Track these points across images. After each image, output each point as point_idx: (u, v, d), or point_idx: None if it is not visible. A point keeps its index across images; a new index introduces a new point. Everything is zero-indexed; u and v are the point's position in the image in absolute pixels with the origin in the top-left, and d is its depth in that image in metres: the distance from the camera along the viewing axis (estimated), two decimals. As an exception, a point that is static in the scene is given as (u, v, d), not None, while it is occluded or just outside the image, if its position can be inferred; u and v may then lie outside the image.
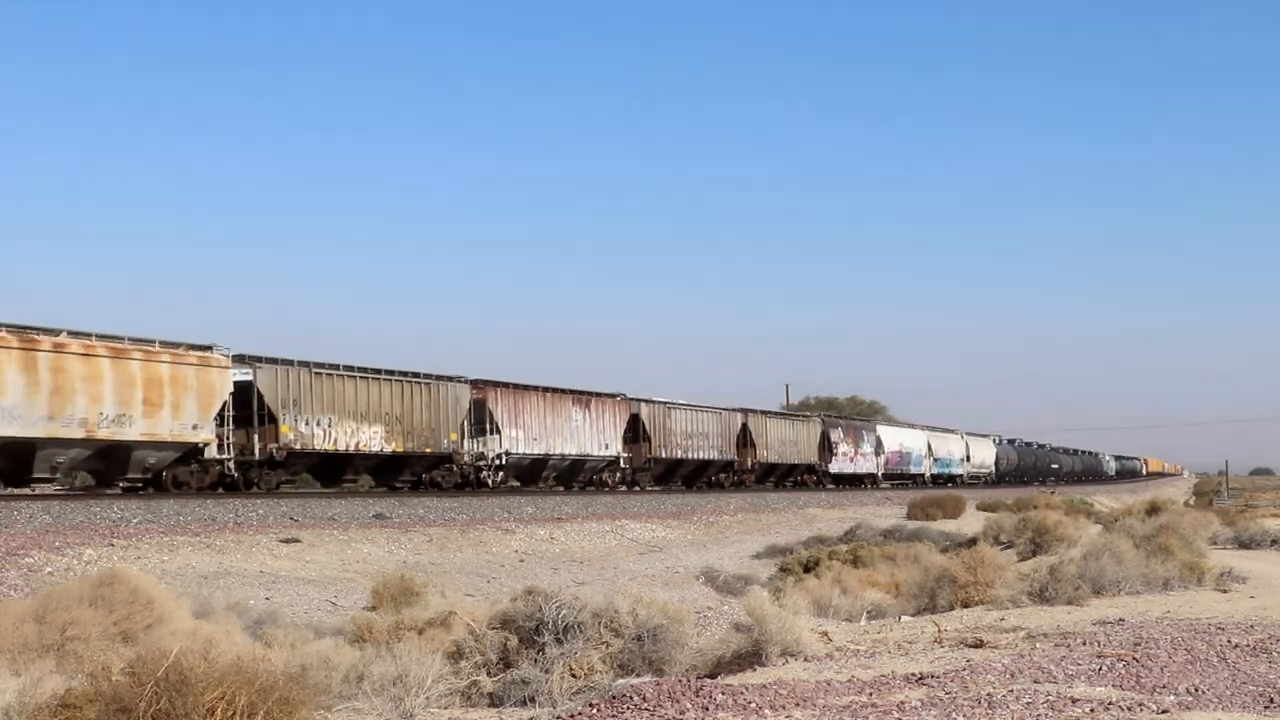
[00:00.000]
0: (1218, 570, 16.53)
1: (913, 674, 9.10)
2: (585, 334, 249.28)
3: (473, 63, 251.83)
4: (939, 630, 11.77)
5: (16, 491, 28.37)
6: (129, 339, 31.13)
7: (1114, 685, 8.36)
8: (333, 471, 38.29)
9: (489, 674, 10.22)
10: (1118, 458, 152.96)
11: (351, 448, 37.42)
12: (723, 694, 8.21)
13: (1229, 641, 10.31)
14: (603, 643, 10.38)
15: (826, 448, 66.29)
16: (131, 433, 30.45)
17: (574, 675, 10.00)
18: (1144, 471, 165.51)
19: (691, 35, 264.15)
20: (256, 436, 34.26)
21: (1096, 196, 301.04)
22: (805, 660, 10.39)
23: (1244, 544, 24.98)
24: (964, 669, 9.12)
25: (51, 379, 28.69)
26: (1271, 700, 7.88)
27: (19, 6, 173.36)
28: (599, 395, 49.44)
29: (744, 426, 59.13)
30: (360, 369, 38.19)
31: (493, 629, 10.65)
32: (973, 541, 25.71)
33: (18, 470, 29.41)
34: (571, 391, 47.83)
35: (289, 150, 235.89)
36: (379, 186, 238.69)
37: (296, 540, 24.50)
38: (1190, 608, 13.26)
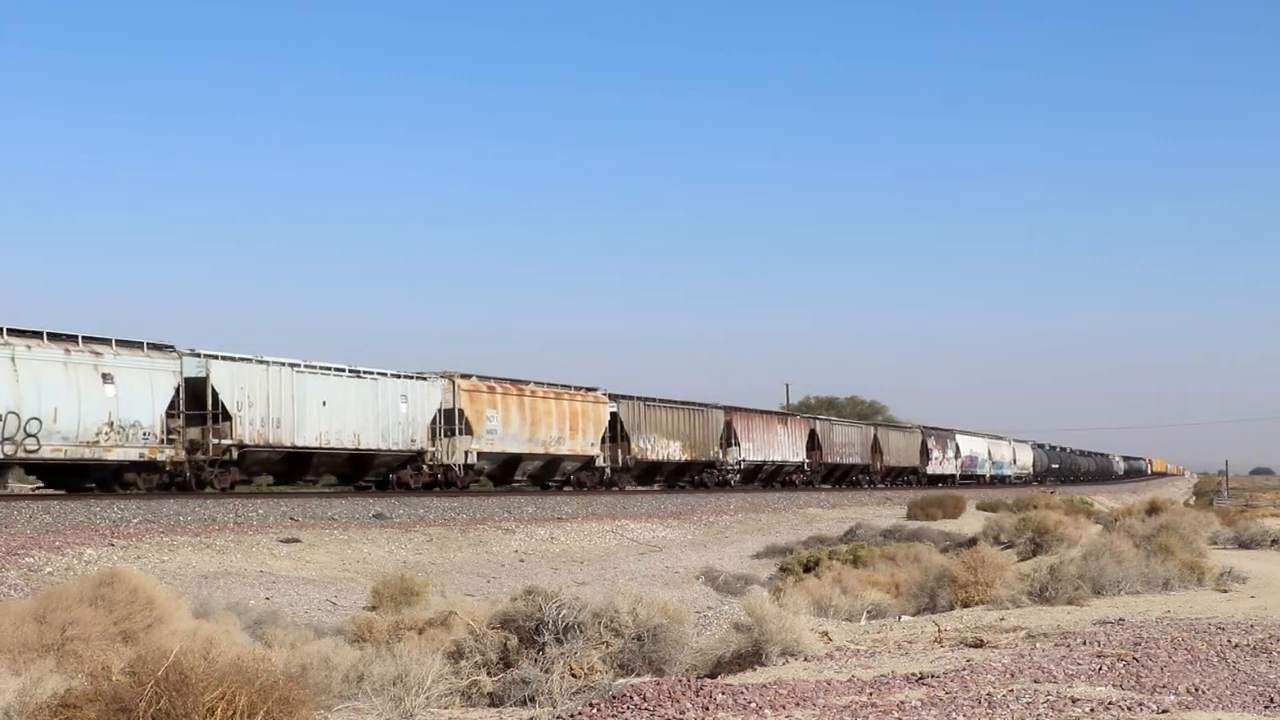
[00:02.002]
0: (1218, 570, 16.53)
1: (913, 674, 9.09)
2: (584, 333, 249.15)
3: (471, 61, 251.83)
4: (939, 630, 11.77)
5: (17, 491, 28.51)
6: (560, 385, 46.60)
7: (1114, 685, 8.36)
8: (650, 474, 53.41)
9: (489, 674, 10.22)
10: (1126, 458, 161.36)
11: (664, 457, 52.89)
12: (723, 694, 8.21)
13: (1229, 641, 10.31)
14: (603, 642, 10.38)
15: (924, 453, 79.37)
16: (563, 449, 46.09)
17: (574, 675, 10.00)
18: (1149, 471, 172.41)
19: (692, 35, 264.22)
20: (619, 451, 49.77)
21: (1097, 197, 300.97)
22: (805, 660, 10.38)
23: (1244, 544, 24.99)
24: (964, 669, 9.11)
25: (530, 414, 44.27)
26: (1271, 700, 7.88)
27: (18, 6, 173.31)
28: (793, 415, 66.92)
29: (875, 438, 73.11)
30: (668, 401, 53.77)
31: (493, 629, 10.65)
32: (973, 541, 25.71)
33: (506, 475, 44.77)
34: (778, 413, 65.24)
35: (283, 150, 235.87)
36: (375, 186, 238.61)
37: (296, 540, 24.50)
38: (1190, 608, 13.26)
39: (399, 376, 39.15)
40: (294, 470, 36.91)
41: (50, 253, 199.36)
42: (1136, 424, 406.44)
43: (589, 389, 48.40)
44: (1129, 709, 7.53)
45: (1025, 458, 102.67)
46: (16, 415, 28.42)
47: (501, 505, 34.92)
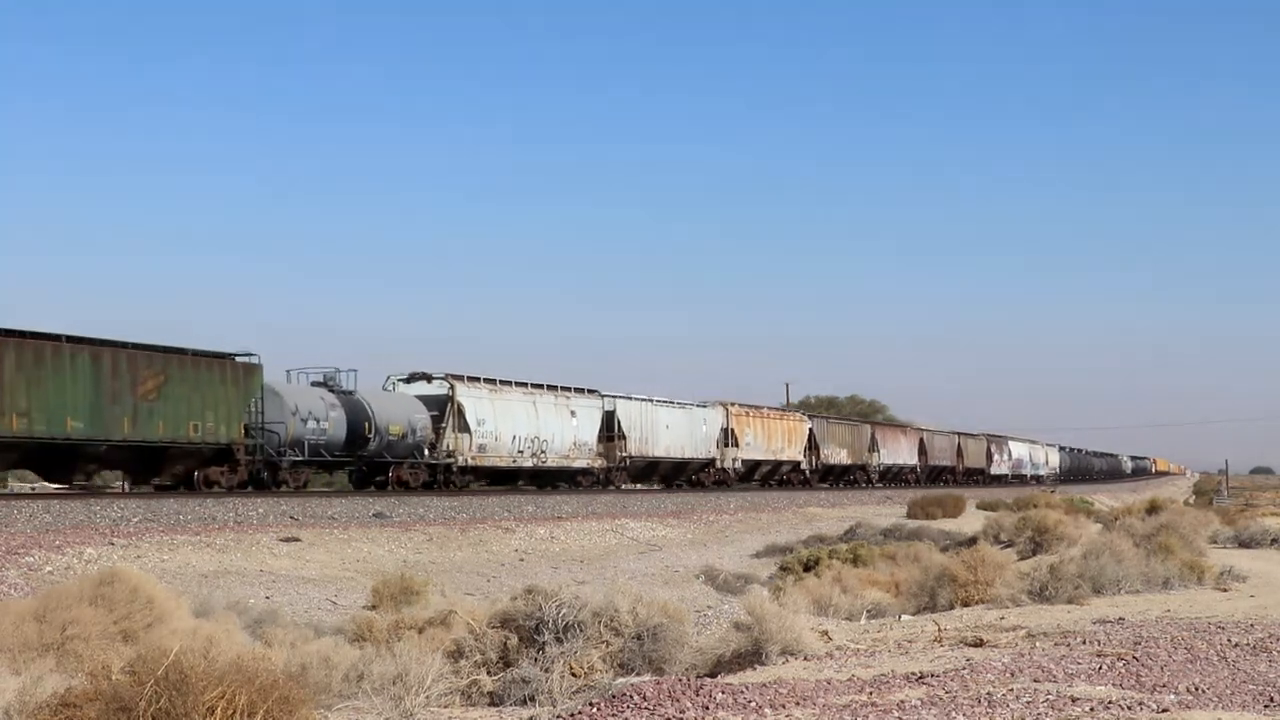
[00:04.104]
0: (1218, 569, 16.52)
1: (913, 673, 9.10)
2: (583, 332, 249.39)
3: (471, 58, 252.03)
4: (939, 629, 11.77)
5: (17, 490, 28.58)
6: (780, 408, 68.77)
7: (1114, 684, 8.36)
8: (827, 474, 69.02)
9: (489, 673, 10.22)
10: (1133, 458, 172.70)
11: (837, 462, 69.71)
12: (723, 693, 8.21)
13: (1229, 640, 10.31)
14: (603, 642, 10.37)
15: (988, 457, 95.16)
16: (784, 456, 63.58)
17: (574, 674, 10.00)
18: (1153, 470, 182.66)
19: (694, 34, 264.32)
20: (814, 456, 66.72)
21: (1097, 197, 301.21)
22: (805, 659, 10.38)
23: (1244, 543, 24.99)
24: (964, 668, 9.12)
25: (765, 431, 61.53)
26: (1271, 700, 7.88)
27: (17, 4, 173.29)
28: (909, 428, 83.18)
29: (958, 445, 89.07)
30: (840, 418, 75.43)
31: (493, 628, 10.65)
32: (973, 540, 25.72)
33: (749, 475, 60.62)
34: (902, 425, 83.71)
35: (282, 150, 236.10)
36: (372, 184, 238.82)
37: (296, 539, 24.50)
38: (1190, 607, 13.26)
39: (700, 406, 56.97)
40: (648, 473, 54.34)
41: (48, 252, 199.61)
42: (1136, 424, 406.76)
43: (795, 411, 71.72)
44: (1129, 708, 7.53)
45: (1054, 459, 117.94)
46: (537, 439, 45.30)
47: (501, 504, 34.93)
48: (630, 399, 51.32)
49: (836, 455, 69.10)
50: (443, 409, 41.82)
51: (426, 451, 40.67)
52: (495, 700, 9.90)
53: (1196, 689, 8.19)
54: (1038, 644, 10.54)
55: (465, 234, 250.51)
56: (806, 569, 22.91)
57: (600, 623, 10.44)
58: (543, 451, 45.67)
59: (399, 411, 39.69)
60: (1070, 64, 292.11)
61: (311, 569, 22.49)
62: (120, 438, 30.15)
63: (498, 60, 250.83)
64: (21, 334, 28.26)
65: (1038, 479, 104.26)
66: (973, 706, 7.61)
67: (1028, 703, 7.68)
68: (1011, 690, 8.08)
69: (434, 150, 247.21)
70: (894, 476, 76.71)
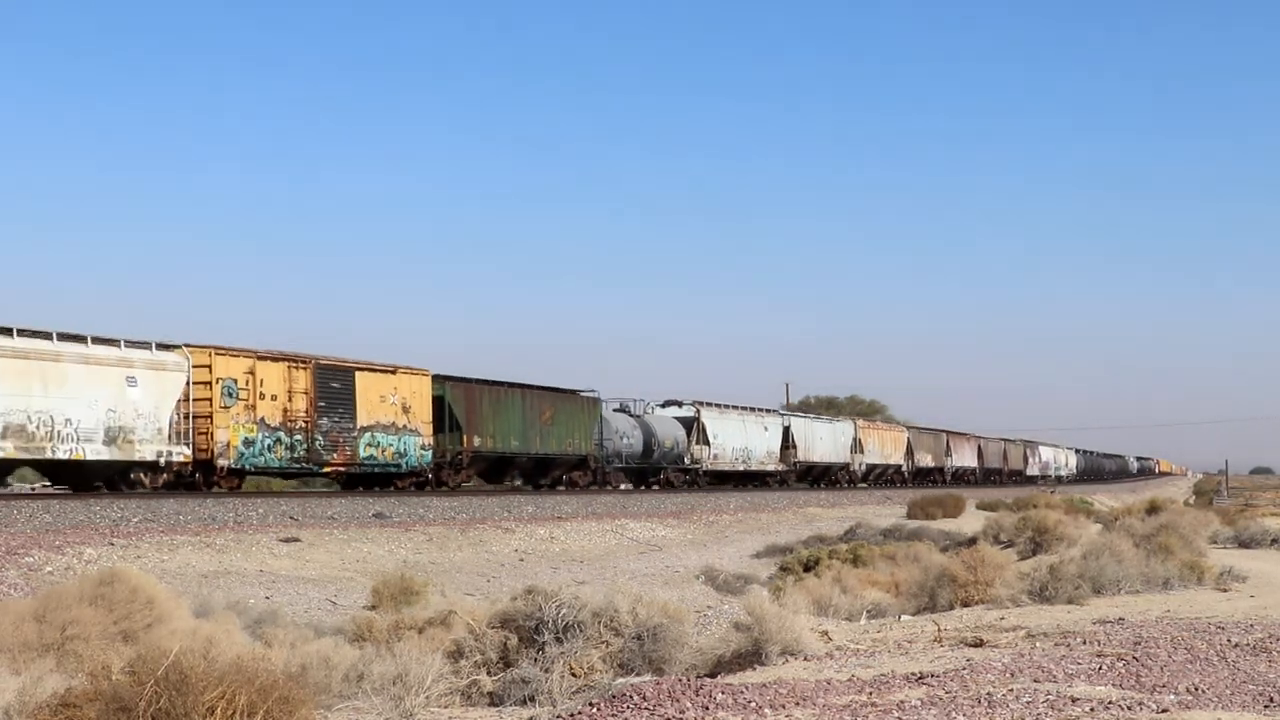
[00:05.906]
0: (1218, 569, 16.52)
1: (913, 673, 9.10)
2: (584, 332, 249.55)
3: (471, 59, 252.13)
4: (939, 629, 11.77)
5: (17, 490, 28.64)
6: (891, 421, 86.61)
7: (1114, 684, 8.37)
8: (918, 475, 79.97)
9: (489, 673, 10.22)
10: (1138, 459, 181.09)
11: (924, 464, 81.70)
12: (723, 693, 8.21)
13: (1229, 641, 10.31)
14: (603, 642, 10.38)
15: (1024, 459, 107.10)
16: (890, 460, 75.88)
17: (574, 674, 10.00)
18: (1157, 470, 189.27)
19: (692, 34, 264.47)
20: (910, 461, 79.02)
21: (1096, 197, 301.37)
22: (805, 659, 10.38)
23: (1244, 543, 25.01)
24: (964, 668, 9.12)
25: (880, 440, 74.65)
26: (1271, 700, 7.88)
27: (20, 4, 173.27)
28: (968, 434, 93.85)
29: (1005, 449, 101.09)
30: (927, 428, 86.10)
31: (493, 628, 10.65)
32: (973, 541, 25.72)
33: (868, 475, 72.58)
34: (964, 433, 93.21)
35: (282, 149, 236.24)
36: (371, 187, 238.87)
37: (296, 539, 24.49)
38: (1190, 607, 13.26)
39: (838, 420, 72.68)
40: (805, 475, 66.12)
41: (49, 251, 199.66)
42: (1137, 424, 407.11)
43: (899, 422, 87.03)
44: (1129, 708, 7.53)
45: (1072, 461, 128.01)
46: (745, 449, 58.70)
47: (501, 505, 34.92)
48: (798, 415, 67.34)
49: (924, 460, 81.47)
50: (690, 427, 55.38)
51: (685, 459, 54.59)
52: (495, 700, 9.90)
53: (1196, 689, 8.19)
54: (1038, 644, 10.54)
55: (459, 233, 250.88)
56: (806, 569, 22.92)
57: (600, 623, 10.44)
58: (749, 458, 59.57)
59: (668, 429, 53.91)
60: (1071, 59, 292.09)
61: (311, 569, 22.49)
62: (533, 452, 44.79)
63: (489, 58, 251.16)
64: (488, 382, 42.83)
65: (1059, 479, 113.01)
66: (973, 706, 7.61)
67: (1028, 703, 7.68)
68: (1011, 690, 8.09)
69: (437, 150, 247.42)
70: (960, 476, 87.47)
